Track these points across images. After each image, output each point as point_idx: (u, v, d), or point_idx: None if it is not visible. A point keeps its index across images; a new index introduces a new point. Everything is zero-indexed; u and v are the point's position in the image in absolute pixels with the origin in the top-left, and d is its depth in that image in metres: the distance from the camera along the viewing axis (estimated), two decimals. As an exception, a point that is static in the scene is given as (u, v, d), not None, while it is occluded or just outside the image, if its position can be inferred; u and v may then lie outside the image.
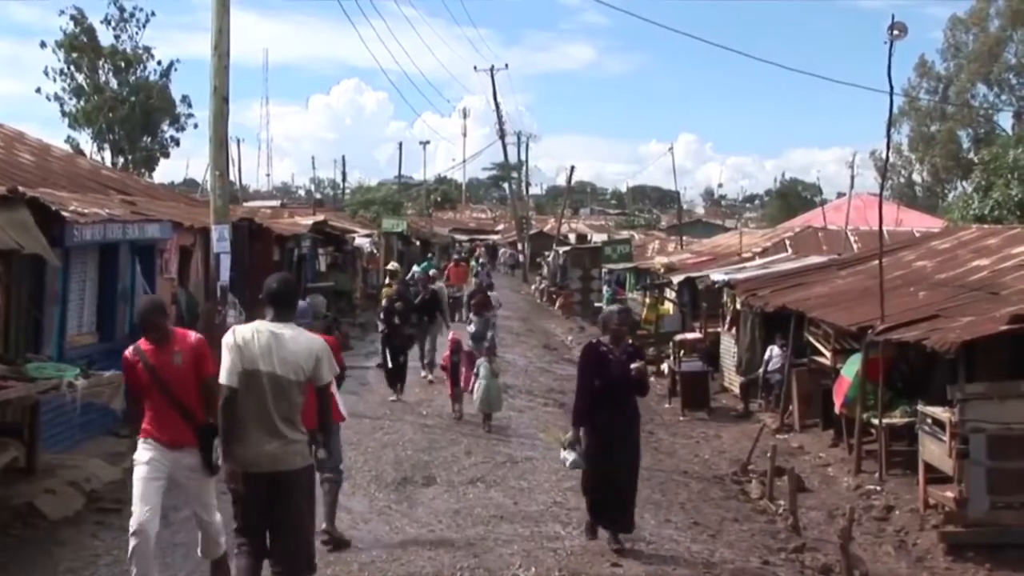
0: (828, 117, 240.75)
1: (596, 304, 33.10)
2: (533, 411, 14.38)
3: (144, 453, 5.87)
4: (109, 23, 43.63)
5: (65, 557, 7.05)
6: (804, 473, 12.33)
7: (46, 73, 43.01)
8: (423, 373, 15.80)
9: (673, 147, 52.19)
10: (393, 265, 24.37)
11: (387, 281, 21.70)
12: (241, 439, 5.27)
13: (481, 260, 45.74)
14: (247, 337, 5.33)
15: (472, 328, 15.15)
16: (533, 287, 43.25)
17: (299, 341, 5.41)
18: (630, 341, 8.16)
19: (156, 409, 5.86)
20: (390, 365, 14.40)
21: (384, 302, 16.26)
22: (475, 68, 56.46)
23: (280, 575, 5.33)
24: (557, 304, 36.03)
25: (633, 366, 7.56)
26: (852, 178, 44.57)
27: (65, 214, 9.42)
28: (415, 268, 30.94)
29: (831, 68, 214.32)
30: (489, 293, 20.28)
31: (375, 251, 32.17)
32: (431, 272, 23.52)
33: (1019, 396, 9.56)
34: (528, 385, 16.94)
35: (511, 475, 10.12)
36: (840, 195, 55.34)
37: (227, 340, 5.38)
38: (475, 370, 12.80)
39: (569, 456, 7.72)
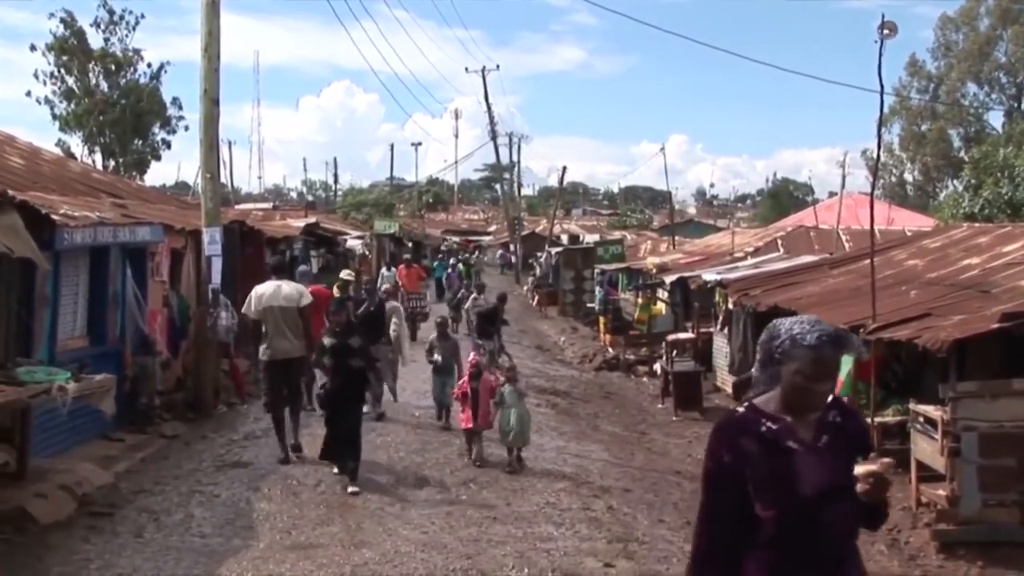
0: (819, 117, 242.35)
1: (589, 305, 33.02)
2: (526, 412, 14.32)
3: None
4: (99, 26, 43.73)
5: (56, 562, 7.01)
6: (797, 472, 12.33)
7: (36, 76, 43.10)
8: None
9: (664, 148, 52.58)
10: (347, 273, 15.79)
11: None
12: (269, 344, 10.07)
13: (452, 261, 35.09)
14: (264, 288, 10.31)
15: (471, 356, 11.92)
16: (525, 288, 43.22)
17: (290, 285, 10.50)
18: (833, 397, 3.55)
19: None
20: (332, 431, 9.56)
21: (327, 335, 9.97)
22: (466, 69, 56.71)
23: (291, 404, 10.29)
24: (535, 301, 36.06)
25: (859, 471, 3.23)
26: (843, 177, 44.79)
27: (55, 217, 9.38)
28: (383, 271, 27.30)
29: (821, 68, 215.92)
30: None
31: (367, 253, 32.03)
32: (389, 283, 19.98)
33: (1010, 394, 9.58)
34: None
35: (503, 476, 10.12)
36: (831, 194, 55.72)
37: (254, 292, 10.34)
38: (496, 398, 10.70)
39: None
